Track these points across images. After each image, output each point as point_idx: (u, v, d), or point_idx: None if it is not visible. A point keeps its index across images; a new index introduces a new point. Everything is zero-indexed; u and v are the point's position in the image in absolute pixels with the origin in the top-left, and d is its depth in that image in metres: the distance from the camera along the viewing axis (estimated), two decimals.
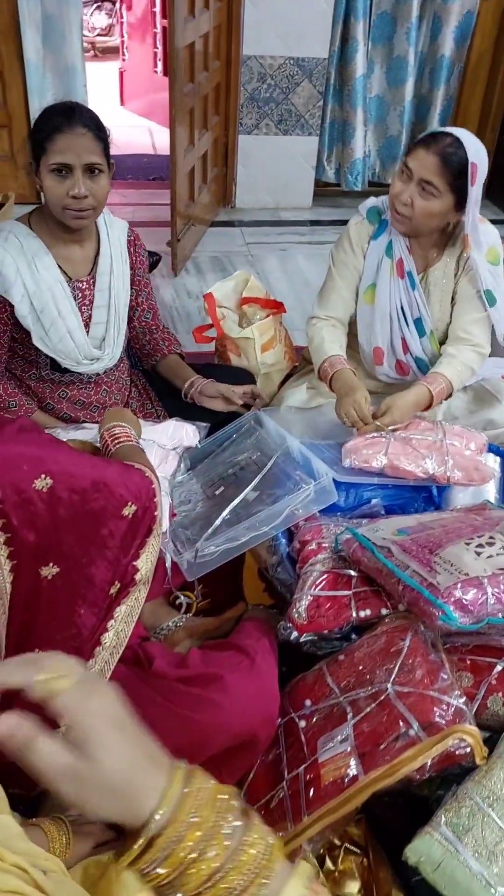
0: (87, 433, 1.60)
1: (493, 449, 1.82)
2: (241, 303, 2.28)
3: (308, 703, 1.21)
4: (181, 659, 1.15)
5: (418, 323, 1.90)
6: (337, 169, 4.52)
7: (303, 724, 1.19)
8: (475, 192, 1.68)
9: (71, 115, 1.45)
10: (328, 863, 1.14)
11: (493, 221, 1.91)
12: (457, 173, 1.63)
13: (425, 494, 1.70)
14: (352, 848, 1.15)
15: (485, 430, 1.96)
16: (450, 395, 1.86)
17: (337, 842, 1.16)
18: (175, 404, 1.89)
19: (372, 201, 1.91)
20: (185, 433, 1.68)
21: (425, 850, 0.89)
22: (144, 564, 1.18)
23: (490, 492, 1.71)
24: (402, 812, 1.19)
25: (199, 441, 1.74)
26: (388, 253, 1.86)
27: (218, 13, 3.62)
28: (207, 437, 1.83)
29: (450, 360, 1.83)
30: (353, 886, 1.12)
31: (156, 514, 1.17)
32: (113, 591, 1.12)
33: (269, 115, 4.13)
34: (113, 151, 1.59)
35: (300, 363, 2.36)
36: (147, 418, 1.81)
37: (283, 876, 0.51)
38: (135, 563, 1.15)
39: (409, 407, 1.74)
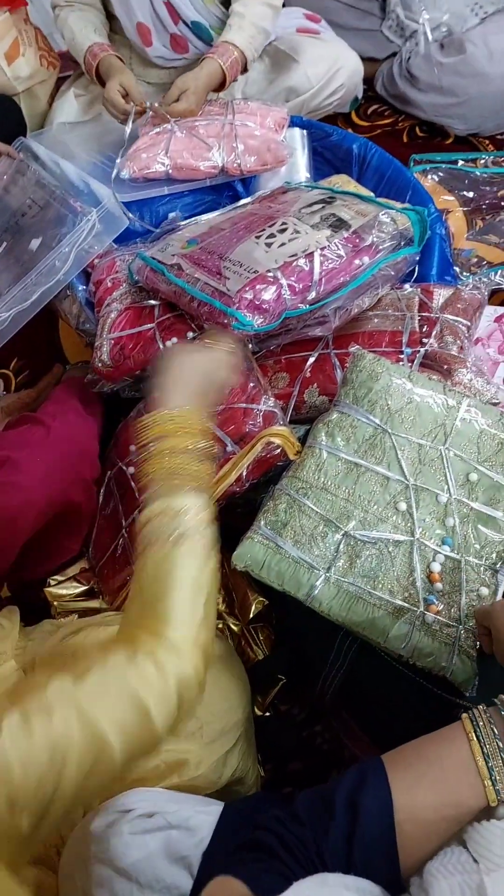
0: None
1: (296, 122, 1.59)
2: None
3: (133, 448, 1.16)
4: None
5: None
6: None
7: (131, 470, 1.14)
8: None
9: None
10: None
11: None
12: None
13: (230, 193, 1.51)
14: None
15: (287, 101, 1.71)
16: (245, 69, 1.57)
17: None
18: None
19: None
20: None
21: (248, 553, 0.90)
22: None
23: (300, 171, 1.53)
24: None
25: None
26: None
27: None
28: None
29: (238, 21, 1.51)
30: (220, 601, 1.17)
31: None
32: None
33: None
34: None
35: (74, 70, 1.95)
36: None
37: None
38: None
39: (204, 89, 1.47)
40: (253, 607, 1.09)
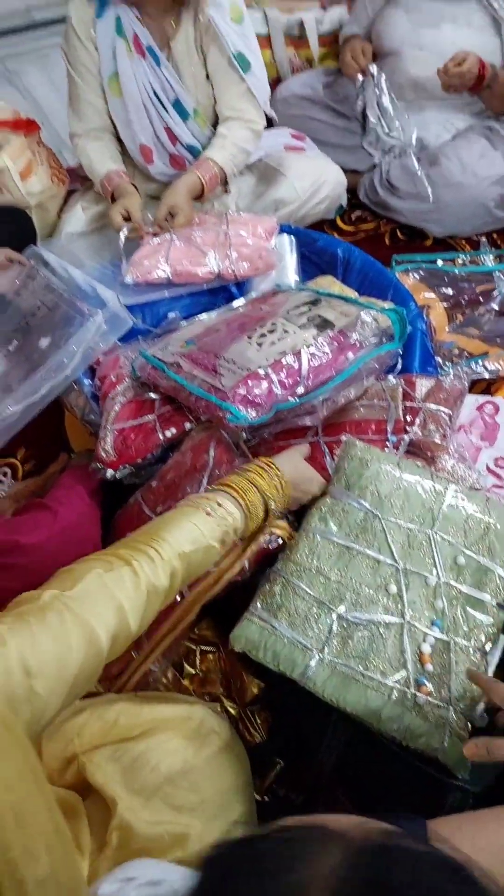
0: None
1: (285, 229, 1.73)
2: None
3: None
4: None
5: (178, 105, 1.70)
6: None
7: None
8: None
9: None
10: (187, 667, 1.20)
11: None
12: None
13: (225, 295, 1.62)
14: (206, 648, 1.21)
15: (276, 211, 1.86)
16: (226, 182, 1.75)
17: (192, 646, 1.22)
18: None
19: None
20: None
21: (245, 634, 0.93)
22: None
23: (289, 274, 1.65)
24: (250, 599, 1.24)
25: None
26: (119, 32, 1.60)
27: None
28: None
29: (221, 141, 1.70)
30: (218, 685, 1.19)
31: None
32: None
33: None
34: None
35: (82, 184, 2.12)
36: None
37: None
38: None
39: (188, 199, 1.64)
40: (250, 690, 1.11)
